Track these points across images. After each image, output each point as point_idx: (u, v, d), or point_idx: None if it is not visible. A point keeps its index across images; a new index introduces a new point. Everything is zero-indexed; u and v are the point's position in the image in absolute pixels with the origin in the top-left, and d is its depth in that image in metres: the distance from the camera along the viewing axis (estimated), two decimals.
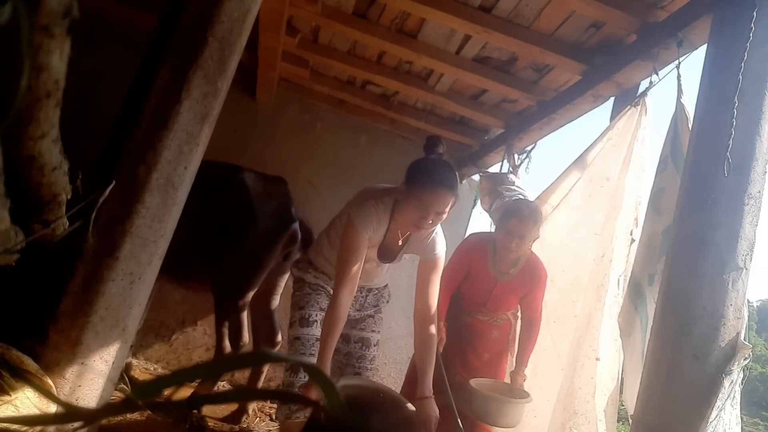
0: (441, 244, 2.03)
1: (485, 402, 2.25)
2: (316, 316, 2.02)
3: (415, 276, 2.06)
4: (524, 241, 2.41)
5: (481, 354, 2.58)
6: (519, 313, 2.70)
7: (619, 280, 2.30)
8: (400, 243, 1.99)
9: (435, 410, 1.82)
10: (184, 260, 2.67)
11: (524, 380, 2.50)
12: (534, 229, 2.44)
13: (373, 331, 2.22)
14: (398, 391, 2.31)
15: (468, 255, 2.29)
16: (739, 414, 1.60)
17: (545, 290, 2.63)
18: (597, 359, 2.27)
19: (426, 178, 1.76)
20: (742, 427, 1.67)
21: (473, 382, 2.32)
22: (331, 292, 2.02)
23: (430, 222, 1.80)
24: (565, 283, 2.68)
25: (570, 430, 2.26)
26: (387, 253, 2.05)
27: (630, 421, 1.77)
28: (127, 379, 2.53)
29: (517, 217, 2.41)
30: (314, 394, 1.69)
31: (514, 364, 2.58)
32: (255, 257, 2.73)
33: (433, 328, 1.95)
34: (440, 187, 1.75)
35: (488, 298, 2.57)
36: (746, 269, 1.55)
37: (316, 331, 1.98)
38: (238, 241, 2.67)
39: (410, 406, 1.82)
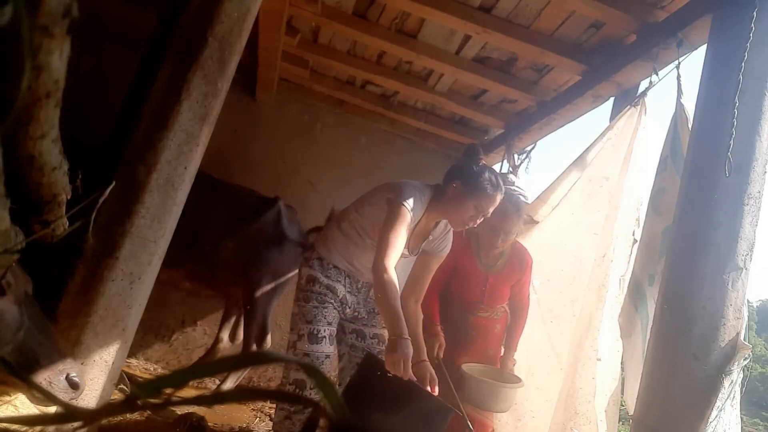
0: (450, 243, 2.18)
1: (478, 386, 2.24)
2: (325, 331, 2.01)
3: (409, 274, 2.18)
4: (509, 236, 2.41)
5: (486, 351, 2.58)
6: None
7: (620, 280, 2.29)
8: (430, 237, 2.11)
9: (430, 371, 1.88)
10: (231, 276, 3.11)
11: (514, 365, 2.50)
12: (518, 223, 2.43)
13: (384, 327, 2.24)
14: None
15: (452, 253, 2.27)
16: (739, 414, 1.60)
17: (544, 291, 2.62)
18: (598, 359, 2.26)
19: (488, 185, 1.96)
20: (742, 427, 1.67)
21: (465, 367, 2.31)
22: (341, 295, 2.08)
23: (477, 221, 2.02)
24: (564, 282, 2.67)
25: (571, 430, 2.25)
26: (412, 244, 2.10)
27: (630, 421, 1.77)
28: (126, 379, 2.53)
29: (501, 213, 2.32)
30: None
31: (503, 350, 2.59)
32: (285, 271, 3.20)
33: (419, 305, 2.15)
34: (499, 194, 1.99)
35: (484, 294, 2.55)
36: (746, 269, 1.55)
37: (325, 347, 1.99)
38: (275, 257, 3.15)
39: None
